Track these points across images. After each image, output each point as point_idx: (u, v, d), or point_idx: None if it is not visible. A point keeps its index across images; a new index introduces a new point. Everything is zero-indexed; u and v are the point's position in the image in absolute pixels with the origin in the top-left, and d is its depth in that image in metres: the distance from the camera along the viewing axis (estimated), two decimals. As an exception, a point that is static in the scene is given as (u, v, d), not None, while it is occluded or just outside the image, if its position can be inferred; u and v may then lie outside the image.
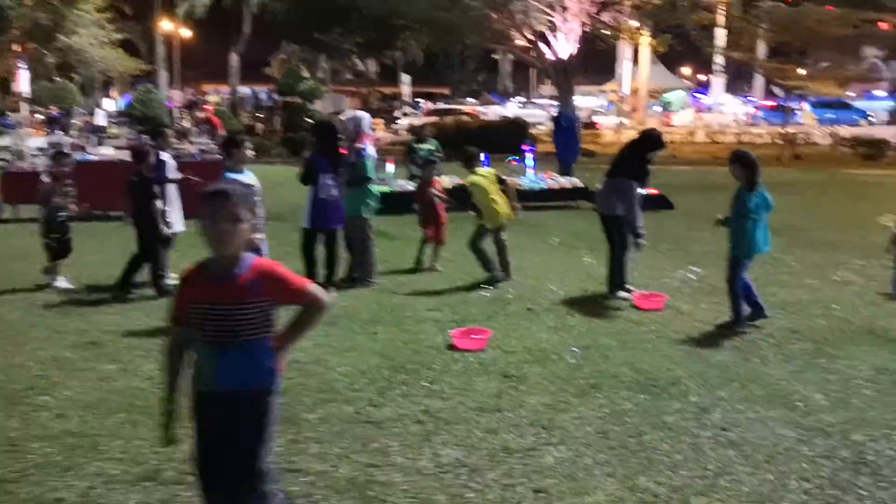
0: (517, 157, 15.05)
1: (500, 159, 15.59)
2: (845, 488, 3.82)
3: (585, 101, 54.96)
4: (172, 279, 8.04)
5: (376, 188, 8.17)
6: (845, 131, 31.88)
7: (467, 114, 43.58)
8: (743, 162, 6.54)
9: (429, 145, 14.72)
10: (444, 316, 6.93)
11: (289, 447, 4.34)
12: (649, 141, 7.70)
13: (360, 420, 4.72)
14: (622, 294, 7.53)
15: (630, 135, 33.59)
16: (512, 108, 50.72)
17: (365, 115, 8.10)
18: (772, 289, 7.67)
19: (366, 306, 7.24)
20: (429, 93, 64.90)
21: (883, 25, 29.81)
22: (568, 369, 5.57)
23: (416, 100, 55.48)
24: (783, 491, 3.82)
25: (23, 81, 32.07)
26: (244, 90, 56.30)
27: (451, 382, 5.31)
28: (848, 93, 43.81)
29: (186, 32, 50.39)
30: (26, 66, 33.32)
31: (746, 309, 6.51)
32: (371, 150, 7.96)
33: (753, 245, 6.43)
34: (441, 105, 49.04)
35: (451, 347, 6.03)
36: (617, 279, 7.57)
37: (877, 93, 52.07)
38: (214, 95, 57.61)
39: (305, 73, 27.63)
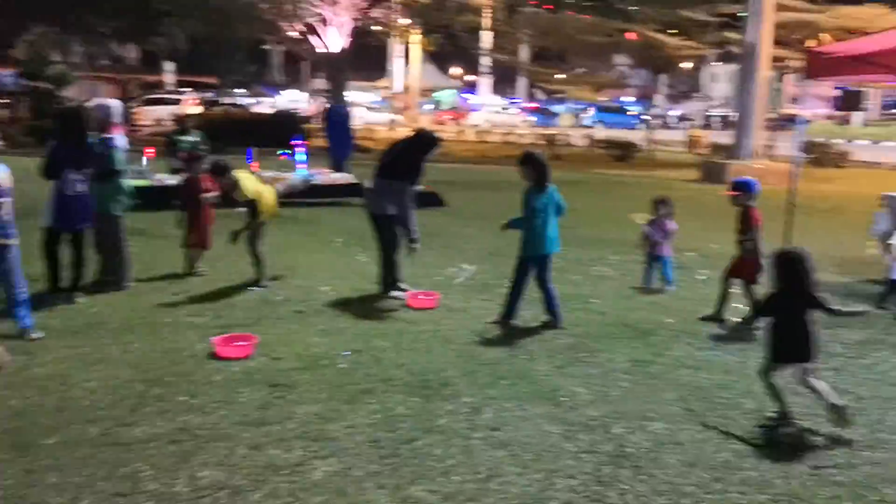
0: (287, 152, 14.61)
1: (271, 153, 15.10)
2: (608, 483, 3.91)
3: (361, 96, 55.20)
4: None
5: (128, 182, 7.51)
6: (600, 134, 34.28)
7: (236, 105, 42.28)
8: (532, 162, 6.55)
9: (192, 137, 13.94)
10: (206, 322, 6.48)
11: (20, 479, 3.80)
12: (424, 141, 7.63)
13: (106, 443, 4.23)
14: (396, 294, 7.44)
15: (403, 132, 34.16)
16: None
17: (115, 104, 7.40)
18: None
19: (118, 313, 6.62)
20: (195, 82, 62.18)
21: (630, 36, 32.35)
22: (339, 375, 5.36)
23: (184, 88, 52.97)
24: (551, 490, 3.85)
25: None
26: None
27: (212, 395, 4.92)
28: (600, 97, 47.08)
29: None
30: None
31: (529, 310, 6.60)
32: (121, 141, 7.30)
33: (542, 245, 6.52)
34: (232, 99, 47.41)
35: (214, 356, 5.62)
36: (389, 279, 7.48)
37: (625, 98, 56.48)
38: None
39: (56, 57, 25.43)
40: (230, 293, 7.43)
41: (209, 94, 53.19)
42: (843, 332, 6.71)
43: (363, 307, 7.12)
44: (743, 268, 6.83)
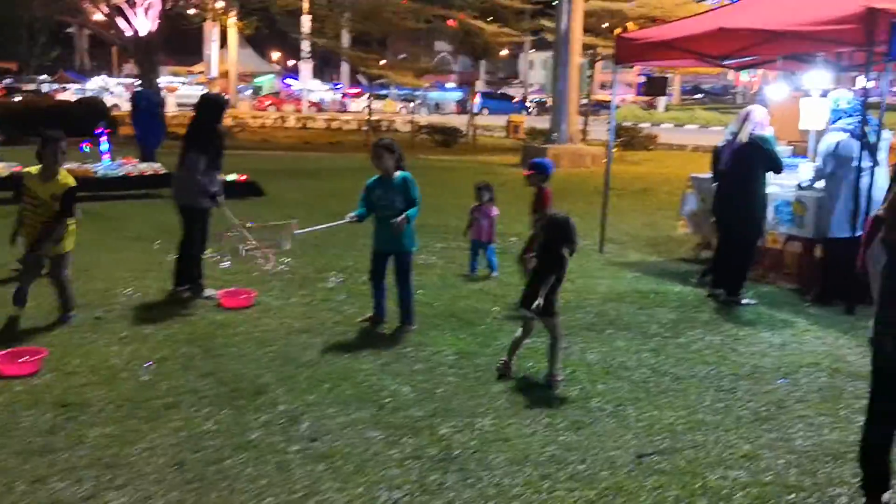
0: (90, 141, 13.50)
1: (74, 143, 13.87)
2: (435, 491, 3.68)
3: (175, 80, 52.71)
4: None
5: None
6: (423, 119, 34.40)
7: (35, 92, 39.20)
8: (391, 150, 6.05)
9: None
10: (-14, 336, 5.74)
11: None
12: (213, 106, 7.07)
13: None
14: (208, 293, 6.92)
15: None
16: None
17: None
18: (361, 276, 7.62)
19: None
20: (-7, 68, 57.19)
21: (451, 22, 32.50)
22: (140, 389, 4.84)
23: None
24: (374, 504, 3.58)
25: None
26: None
27: (-13, 422, 4.30)
28: (422, 83, 47.22)
29: None
30: None
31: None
32: None
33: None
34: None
35: (-7, 375, 4.95)
36: (194, 274, 6.94)
37: (448, 84, 57.17)
38: None
39: None
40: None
41: (8, 80, 49.04)
42: (659, 311, 6.88)
43: (170, 310, 6.56)
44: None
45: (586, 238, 9.81)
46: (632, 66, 10.85)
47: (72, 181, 6.05)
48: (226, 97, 7.17)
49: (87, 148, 13.24)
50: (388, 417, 4.50)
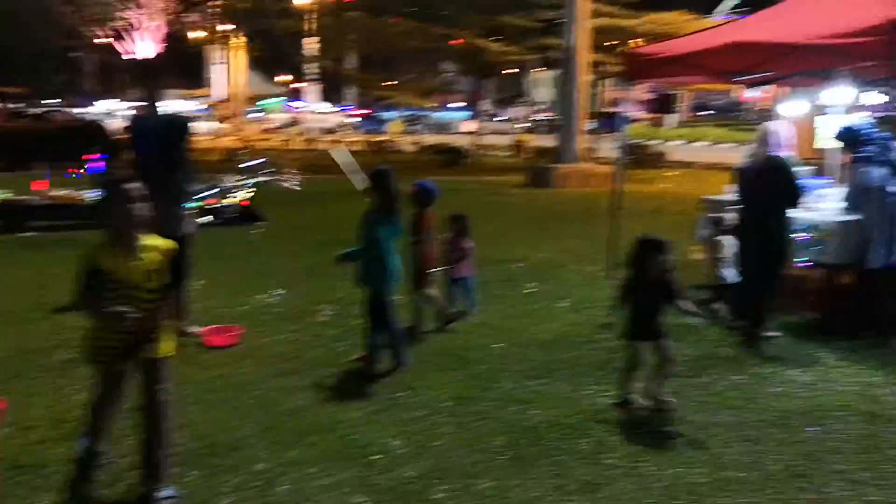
0: (79, 167, 13.17)
1: (62, 168, 13.52)
2: (424, 574, 3.21)
3: (183, 105, 52.66)
4: None
5: None
6: (430, 140, 34.08)
7: (41, 116, 39.10)
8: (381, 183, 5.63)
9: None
10: (-55, 382, 5.30)
11: None
12: (179, 127, 6.69)
13: None
14: (191, 329, 6.47)
15: (228, 141, 32.58)
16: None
17: None
18: (355, 307, 7.16)
19: None
20: (2, 93, 57.27)
21: (455, 42, 32.31)
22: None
23: None
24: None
25: None
26: None
27: (-74, 489, 3.84)
28: (429, 104, 47.05)
29: None
30: None
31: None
32: None
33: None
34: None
35: (-56, 430, 4.51)
36: (181, 313, 6.49)
37: (454, 105, 56.93)
38: None
39: None
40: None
41: (19, 105, 49.12)
42: (676, 346, 6.38)
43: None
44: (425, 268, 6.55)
45: (593, 263, 9.36)
46: (641, 83, 10.39)
47: (169, 242, 3.90)
48: (189, 118, 6.79)
49: (73, 174, 12.88)
50: (375, 478, 4.02)
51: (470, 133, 37.01)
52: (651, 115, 50.49)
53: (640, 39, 24.38)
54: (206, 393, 5.20)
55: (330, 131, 42.78)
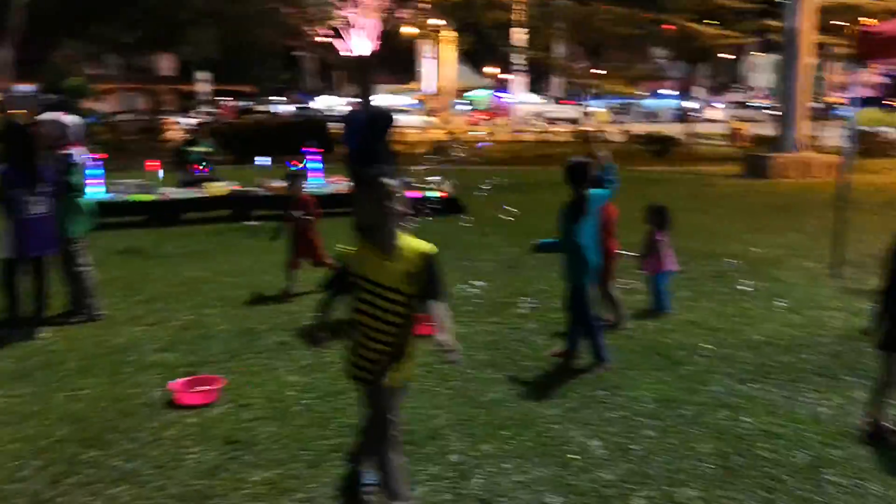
0: (298, 160, 13.91)
1: (299, 160, 14.28)
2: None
3: (394, 99, 54.62)
4: None
5: (88, 200, 6.77)
6: (638, 129, 33.17)
7: (267, 112, 41.96)
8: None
9: (201, 147, 13.32)
10: (176, 358, 5.73)
11: None
12: (382, 120, 6.80)
13: (9, 530, 3.49)
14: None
15: (436, 134, 33.42)
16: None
17: (72, 119, 6.66)
18: (556, 301, 7.04)
19: (80, 349, 5.91)
20: (231, 91, 62.20)
21: (666, 27, 31.17)
22: (310, 426, 4.55)
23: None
24: None
25: None
26: (25, 88, 51.56)
27: (154, 458, 4.15)
28: (638, 91, 45.84)
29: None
30: None
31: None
32: (79, 157, 6.59)
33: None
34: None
35: (172, 404, 4.87)
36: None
37: (663, 92, 55.09)
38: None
39: (91, 70, 25.04)
40: (211, 320, 6.68)
41: (246, 103, 53.26)
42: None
43: (356, 336, 6.31)
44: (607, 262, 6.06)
45: (815, 260, 8.69)
46: (874, 65, 9.48)
47: (425, 245, 3.43)
48: (391, 112, 6.96)
49: (294, 167, 13.60)
50: (571, 479, 3.90)
51: (715, 120, 35.59)
52: (886, 101, 46.38)
53: (871, 19, 22.32)
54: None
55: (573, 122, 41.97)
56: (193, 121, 27.40)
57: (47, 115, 6.66)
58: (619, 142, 29.01)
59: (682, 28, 29.06)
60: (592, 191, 5.32)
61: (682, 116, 35.62)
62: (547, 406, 4.81)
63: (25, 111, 36.33)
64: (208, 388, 4.97)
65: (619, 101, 47.58)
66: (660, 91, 53.73)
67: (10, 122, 7.15)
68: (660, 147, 25.93)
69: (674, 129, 30.85)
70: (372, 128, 6.71)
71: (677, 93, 52.04)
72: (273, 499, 3.73)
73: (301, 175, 7.85)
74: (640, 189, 16.85)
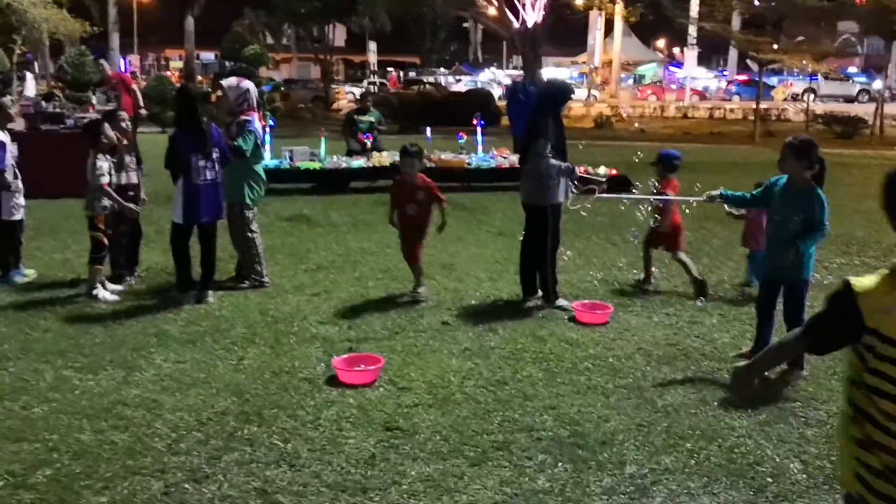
0: (467, 132, 13.68)
1: (467, 132, 14.07)
2: None
3: (558, 72, 53.71)
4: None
5: (261, 168, 6.75)
6: (819, 108, 30.94)
7: (433, 84, 42.18)
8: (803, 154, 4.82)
9: (370, 117, 13.33)
10: (337, 333, 5.61)
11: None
12: (556, 93, 6.36)
13: (168, 506, 3.41)
14: (561, 303, 6.26)
15: (600, 109, 32.49)
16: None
17: (249, 85, 6.64)
18: (737, 296, 6.47)
19: (245, 317, 5.90)
20: (398, 62, 63.19)
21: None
22: (473, 417, 4.27)
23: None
24: None
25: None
26: (208, 56, 54.42)
27: (312, 439, 4.00)
28: (821, 68, 42.75)
29: (143, -6, 48.55)
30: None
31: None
32: (257, 125, 6.58)
33: None
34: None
35: (332, 381, 4.73)
36: (549, 285, 6.28)
37: (850, 69, 51.26)
38: (177, 62, 55.79)
39: (267, 38, 25.83)
40: (374, 293, 6.55)
41: (411, 74, 53.96)
42: None
43: (519, 318, 5.99)
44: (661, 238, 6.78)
45: None
46: None
47: None
48: (569, 85, 6.51)
49: (463, 139, 13.38)
50: (767, 507, 3.42)
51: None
52: None
53: None
54: (576, 373, 4.91)
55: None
56: (360, 90, 27.86)
57: (230, 81, 6.67)
58: (799, 121, 27.15)
59: (876, 1, 26.59)
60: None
61: (873, 96, 32.88)
62: (734, 416, 4.30)
63: (205, 77, 38.35)
64: (369, 367, 4.79)
65: (801, 77, 44.61)
66: (848, 69, 50.00)
67: (183, 87, 7.23)
68: (846, 128, 23.99)
69: (861, 110, 28.50)
70: (540, 102, 6.29)
71: (867, 71, 48.23)
72: (432, 497, 3.46)
73: (417, 154, 6.63)
74: (827, 173, 15.56)
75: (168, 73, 51.27)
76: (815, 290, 5.16)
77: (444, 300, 6.43)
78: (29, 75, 26.84)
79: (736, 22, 33.21)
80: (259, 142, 6.59)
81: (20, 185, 6.72)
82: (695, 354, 5.27)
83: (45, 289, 6.58)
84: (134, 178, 6.71)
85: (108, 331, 5.54)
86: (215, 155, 6.12)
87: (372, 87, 38.87)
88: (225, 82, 6.65)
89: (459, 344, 5.42)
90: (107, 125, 6.25)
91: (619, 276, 7.31)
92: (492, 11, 29.34)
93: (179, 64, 53.17)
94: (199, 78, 40.96)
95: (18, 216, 6.74)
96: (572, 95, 6.55)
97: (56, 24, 33.84)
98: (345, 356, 4.93)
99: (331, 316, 5.98)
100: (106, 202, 6.26)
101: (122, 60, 43.76)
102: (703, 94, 48.42)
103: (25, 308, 6.00)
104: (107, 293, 6.28)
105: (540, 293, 6.37)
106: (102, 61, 13.18)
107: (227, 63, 26.42)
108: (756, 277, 6.49)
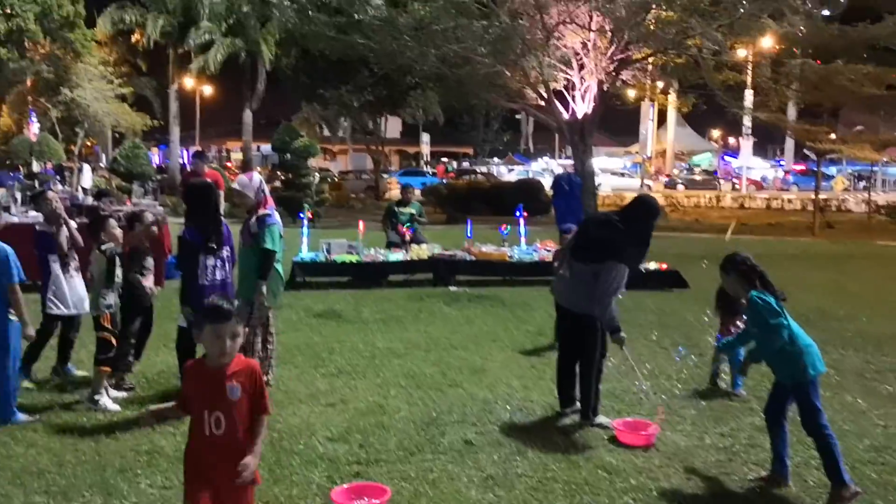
0: (509, 224, 13.25)
1: (511, 222, 13.62)
2: None
3: (610, 162, 53.57)
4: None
5: (281, 265, 6.34)
6: (881, 198, 29.97)
7: (484, 174, 42.27)
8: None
9: (410, 209, 13.00)
10: (346, 453, 5.03)
11: None
12: (649, 209, 5.81)
13: None
14: (601, 420, 5.61)
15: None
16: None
17: (259, 177, 6.29)
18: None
19: (249, 432, 5.37)
20: (451, 152, 63.86)
21: (921, 86, 27.97)
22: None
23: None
24: None
25: (33, 134, 31.33)
26: (266, 148, 55.70)
27: None
28: (881, 157, 41.81)
29: (207, 89, 50.13)
30: (36, 120, 32.72)
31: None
32: (276, 217, 6.19)
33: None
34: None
35: (330, 512, 4.15)
36: (591, 400, 5.65)
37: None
38: (238, 153, 57.25)
39: (324, 130, 26.17)
40: (393, 404, 5.98)
41: (464, 164, 54.38)
42: None
43: (553, 439, 5.35)
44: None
45: None
46: None
47: None
48: (659, 205, 5.96)
49: (506, 231, 12.95)
50: None
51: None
52: None
53: None
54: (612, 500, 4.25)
55: None
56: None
57: (242, 180, 6.29)
58: (859, 212, 26.24)
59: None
60: None
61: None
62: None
63: (264, 168, 39.08)
64: (371, 500, 4.20)
65: (860, 167, 43.61)
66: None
67: (196, 182, 6.95)
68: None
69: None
70: (633, 217, 5.69)
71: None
72: None
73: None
74: (882, 268, 14.64)
75: (229, 163, 52.66)
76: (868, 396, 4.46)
77: (471, 413, 5.83)
78: (86, 167, 27.51)
79: (792, 111, 32.73)
80: (280, 233, 6.19)
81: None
82: (747, 484, 4.57)
83: (47, 391, 6.20)
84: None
85: (97, 446, 5.07)
86: (226, 253, 5.74)
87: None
88: (238, 183, 6.28)
89: (482, 470, 4.80)
90: (111, 221, 5.92)
91: (667, 385, 6.63)
92: (540, 102, 29.38)
93: (240, 155, 54.64)
94: (259, 169, 41.88)
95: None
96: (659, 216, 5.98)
97: (118, 117, 35.05)
98: (346, 486, 4.35)
99: (342, 431, 5.42)
100: (111, 300, 5.89)
101: (184, 153, 45.01)
102: (760, 185, 47.67)
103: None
104: (108, 401, 5.85)
105: (578, 405, 5.75)
106: (197, 159, 13.22)
107: (276, 154, 26.77)
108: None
